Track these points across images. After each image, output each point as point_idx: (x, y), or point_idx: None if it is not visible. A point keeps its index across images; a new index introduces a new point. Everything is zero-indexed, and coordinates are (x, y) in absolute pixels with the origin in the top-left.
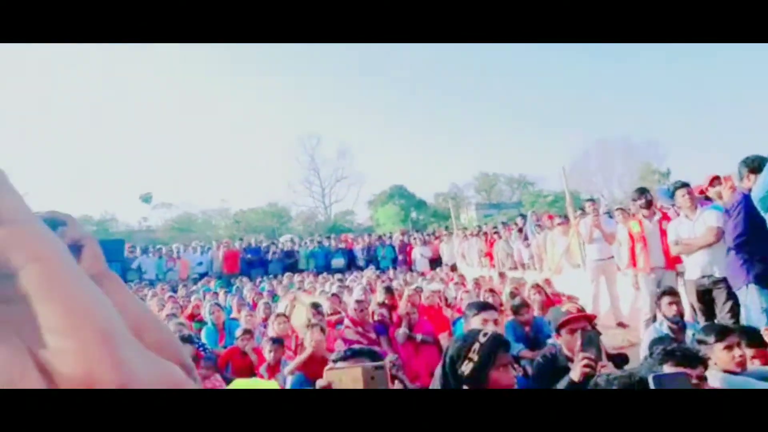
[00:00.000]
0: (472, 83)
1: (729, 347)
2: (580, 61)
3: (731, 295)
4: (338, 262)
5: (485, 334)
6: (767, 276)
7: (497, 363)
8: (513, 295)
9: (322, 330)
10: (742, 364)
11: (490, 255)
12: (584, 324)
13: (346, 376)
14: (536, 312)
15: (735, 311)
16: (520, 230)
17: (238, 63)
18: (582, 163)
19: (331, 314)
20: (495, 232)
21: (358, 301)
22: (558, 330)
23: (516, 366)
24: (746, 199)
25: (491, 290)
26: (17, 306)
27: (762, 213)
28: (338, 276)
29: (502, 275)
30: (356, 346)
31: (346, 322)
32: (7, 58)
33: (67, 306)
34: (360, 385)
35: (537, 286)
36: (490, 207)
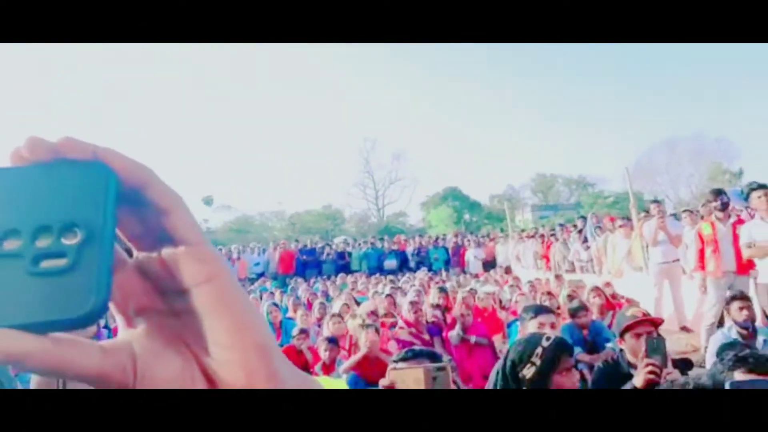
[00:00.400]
0: (528, 82)
1: None
2: (641, 57)
3: None
4: (390, 263)
5: (548, 338)
6: None
7: (560, 367)
8: (571, 297)
9: (377, 331)
10: None
11: (546, 257)
12: (650, 328)
13: (408, 377)
14: (595, 315)
15: None
16: (580, 232)
17: (296, 67)
18: (646, 163)
19: (385, 315)
20: (552, 234)
21: (412, 303)
22: (622, 334)
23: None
24: None
25: (548, 293)
26: (186, 319)
27: None
28: (390, 277)
29: (558, 278)
30: (417, 347)
31: (400, 323)
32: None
33: (233, 322)
34: (422, 386)
35: (596, 289)
36: (546, 209)
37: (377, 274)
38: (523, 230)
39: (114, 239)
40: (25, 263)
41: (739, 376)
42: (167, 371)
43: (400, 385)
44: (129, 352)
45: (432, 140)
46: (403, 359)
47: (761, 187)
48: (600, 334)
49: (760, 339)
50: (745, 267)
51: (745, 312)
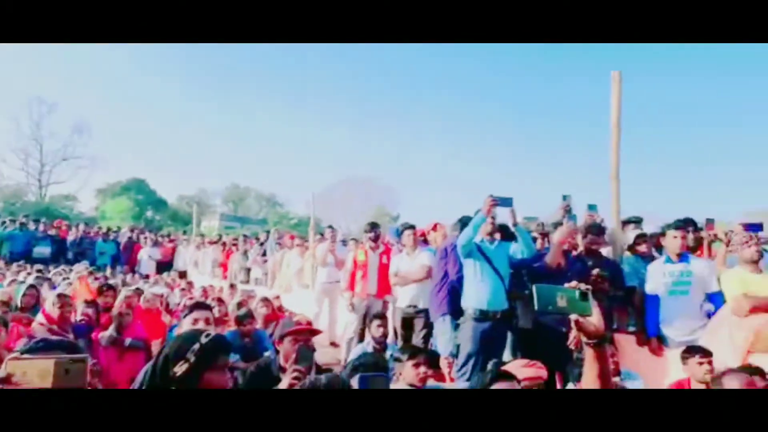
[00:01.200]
0: (246, 86)
1: (416, 365)
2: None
3: (427, 324)
4: (42, 250)
5: (207, 335)
6: (459, 311)
7: (214, 365)
8: (240, 305)
9: (5, 325)
10: (423, 380)
11: (224, 266)
12: (308, 337)
13: (32, 369)
14: (259, 325)
15: (427, 338)
16: (261, 245)
17: None
18: (329, 194)
19: (23, 308)
20: (234, 244)
21: (59, 296)
22: (282, 338)
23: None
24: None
25: (218, 299)
26: None
27: (461, 258)
28: (38, 266)
29: (233, 287)
30: (54, 338)
31: (39, 317)
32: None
33: None
34: (49, 380)
35: (265, 300)
36: (234, 219)
37: (22, 261)
38: (204, 235)
39: None
40: None
41: (355, 376)
42: None
43: (19, 378)
44: None
45: (127, 123)
46: (31, 350)
47: (411, 227)
48: (261, 343)
49: (388, 352)
50: (382, 291)
51: (381, 329)
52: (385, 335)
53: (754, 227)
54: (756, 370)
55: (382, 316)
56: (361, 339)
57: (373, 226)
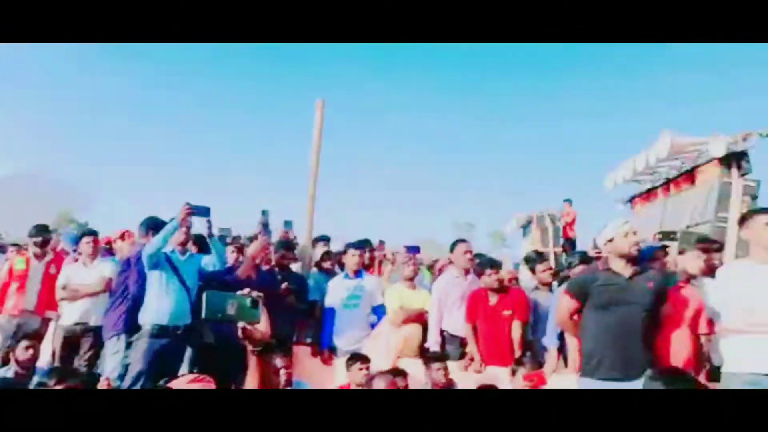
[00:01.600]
0: None
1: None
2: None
3: (96, 344)
4: None
5: None
6: (138, 328)
7: None
8: None
9: None
10: None
11: None
12: None
13: None
14: None
15: (93, 360)
16: None
17: None
18: None
19: None
20: None
21: None
22: None
23: None
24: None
25: None
26: None
27: (147, 269)
28: None
29: None
30: None
31: None
32: None
33: None
34: None
35: None
36: None
37: None
38: None
39: None
40: None
41: None
42: None
43: None
44: None
45: None
46: None
47: (92, 233)
48: None
49: (36, 378)
50: (43, 306)
51: (30, 351)
52: (34, 358)
53: (414, 249)
54: (399, 372)
55: (33, 336)
56: (6, 363)
57: (40, 230)
